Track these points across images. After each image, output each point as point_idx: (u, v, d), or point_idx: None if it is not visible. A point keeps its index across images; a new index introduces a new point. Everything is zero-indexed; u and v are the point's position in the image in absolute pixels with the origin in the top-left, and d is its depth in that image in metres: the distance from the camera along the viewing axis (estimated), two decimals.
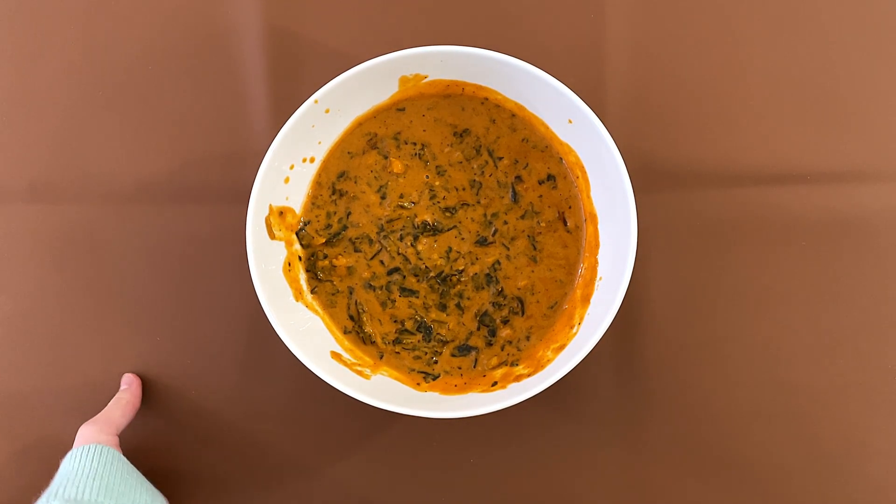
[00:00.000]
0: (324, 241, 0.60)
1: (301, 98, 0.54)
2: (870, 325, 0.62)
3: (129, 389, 0.62)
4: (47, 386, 0.63)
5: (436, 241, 0.60)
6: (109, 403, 0.61)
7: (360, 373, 0.58)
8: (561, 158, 0.59)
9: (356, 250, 0.60)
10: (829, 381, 0.62)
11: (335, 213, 0.60)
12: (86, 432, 0.57)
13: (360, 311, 0.60)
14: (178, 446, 0.63)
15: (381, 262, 0.60)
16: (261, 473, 0.63)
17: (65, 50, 0.64)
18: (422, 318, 0.60)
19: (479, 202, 0.60)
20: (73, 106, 0.64)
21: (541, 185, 0.60)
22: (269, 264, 0.57)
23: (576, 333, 0.57)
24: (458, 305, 0.60)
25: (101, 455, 0.54)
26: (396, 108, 0.59)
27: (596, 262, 0.58)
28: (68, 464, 0.54)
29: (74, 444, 0.56)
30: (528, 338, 0.59)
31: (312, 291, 0.60)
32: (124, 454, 0.63)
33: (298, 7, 0.64)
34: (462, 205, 0.60)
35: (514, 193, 0.60)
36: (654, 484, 0.63)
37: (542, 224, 0.59)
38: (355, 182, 0.60)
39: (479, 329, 0.60)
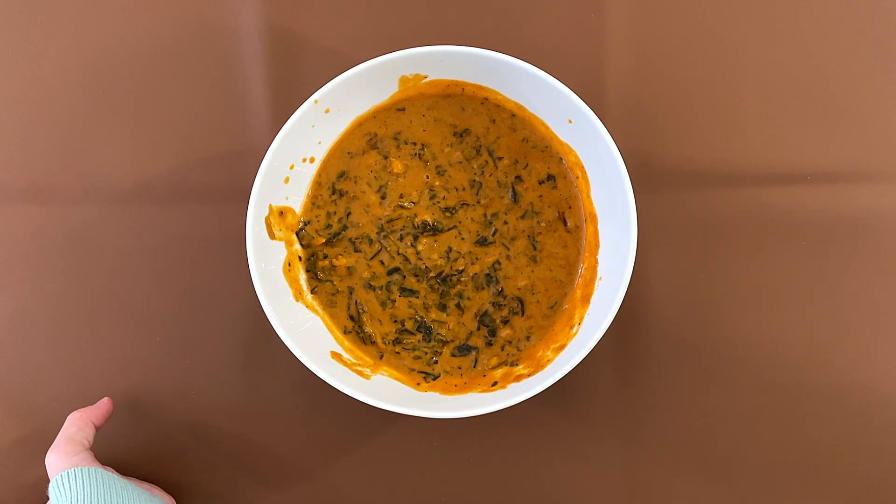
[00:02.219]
0: (324, 241, 0.60)
1: (301, 98, 0.54)
2: (869, 325, 0.62)
3: (85, 408, 0.59)
4: (47, 385, 0.63)
5: (436, 241, 0.60)
6: (64, 431, 0.57)
7: (360, 373, 0.58)
8: (561, 158, 0.59)
9: (356, 250, 0.60)
10: (828, 381, 0.62)
11: (335, 213, 0.60)
12: (51, 461, 0.54)
13: (360, 311, 0.60)
14: (178, 446, 0.63)
15: (381, 262, 0.60)
16: (260, 473, 0.63)
17: (65, 50, 0.64)
18: (422, 318, 0.60)
19: (479, 202, 0.60)
20: (73, 106, 0.64)
21: (541, 185, 0.60)
22: (269, 264, 0.57)
23: (576, 333, 0.57)
24: (458, 305, 0.60)
25: (84, 480, 0.51)
26: (396, 108, 0.59)
27: (596, 262, 0.58)
28: (55, 500, 0.51)
29: (49, 475, 0.54)
30: (528, 338, 0.59)
31: (312, 291, 0.60)
32: (122, 456, 0.63)
33: (298, 7, 0.64)
34: (462, 205, 0.60)
35: (514, 193, 0.60)
36: (654, 483, 0.63)
37: (542, 224, 0.59)
38: (355, 182, 0.60)
39: (479, 329, 0.60)
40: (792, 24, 0.63)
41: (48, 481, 0.54)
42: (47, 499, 0.60)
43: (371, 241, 0.60)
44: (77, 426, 0.57)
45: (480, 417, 0.54)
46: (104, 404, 0.60)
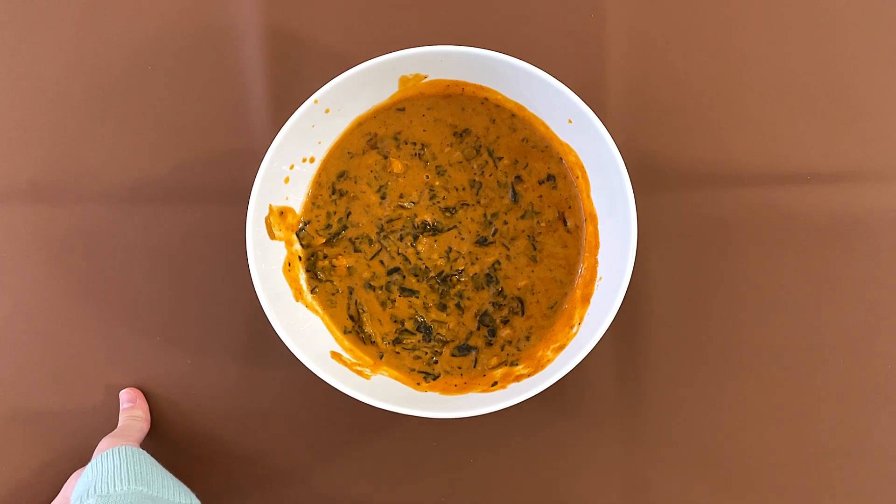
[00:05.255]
0: (324, 241, 0.60)
1: (301, 98, 0.54)
2: (870, 325, 0.62)
3: (137, 407, 0.62)
4: (47, 384, 0.63)
5: (436, 241, 0.60)
6: (124, 422, 0.61)
7: (360, 373, 0.58)
8: (561, 158, 0.59)
9: (356, 250, 0.60)
10: (829, 381, 0.62)
11: (335, 213, 0.60)
12: (106, 443, 0.57)
13: (360, 311, 0.60)
14: (178, 446, 0.63)
15: (381, 262, 0.60)
16: (260, 473, 0.63)
17: (64, 50, 0.64)
18: (422, 318, 0.60)
19: (479, 202, 0.60)
20: (72, 106, 0.64)
21: (541, 185, 0.60)
22: (269, 264, 0.57)
23: (576, 333, 0.57)
24: (458, 305, 0.60)
25: (125, 452, 0.54)
26: (396, 108, 0.59)
27: (596, 262, 0.58)
28: (94, 469, 0.53)
29: (94, 455, 0.56)
30: (528, 338, 0.59)
31: (312, 291, 0.60)
32: None
33: (298, 7, 0.64)
34: (462, 205, 0.60)
35: (514, 193, 0.60)
36: (653, 483, 0.63)
37: (542, 224, 0.59)
38: (355, 182, 0.60)
39: (479, 329, 0.60)
40: (792, 25, 0.63)
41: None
42: (56, 493, 0.60)
43: (371, 241, 0.60)
44: (139, 427, 0.60)
45: (480, 417, 0.54)
46: (136, 395, 0.62)
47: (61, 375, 0.63)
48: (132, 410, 0.61)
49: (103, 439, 0.58)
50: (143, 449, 0.57)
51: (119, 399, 0.63)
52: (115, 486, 0.51)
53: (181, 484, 0.55)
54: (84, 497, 0.50)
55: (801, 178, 0.62)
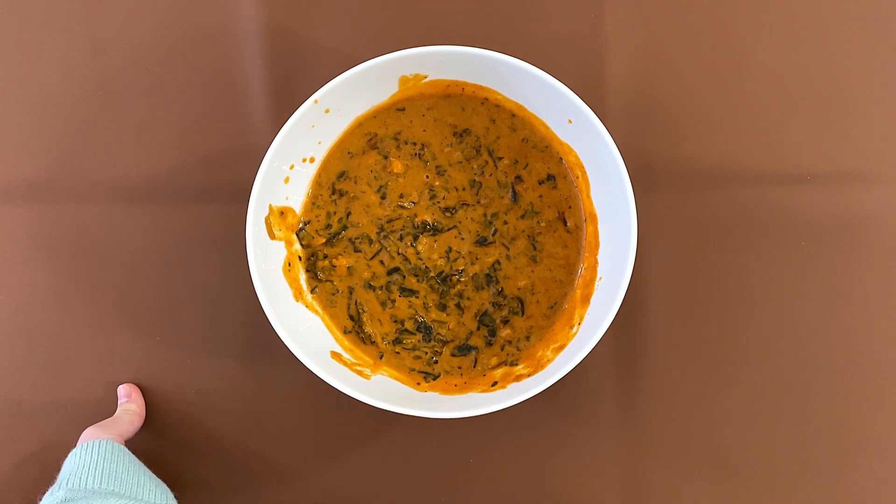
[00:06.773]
0: (324, 241, 0.60)
1: (301, 98, 0.54)
2: (870, 325, 0.62)
3: (132, 401, 0.62)
4: (47, 384, 0.63)
5: (436, 241, 0.60)
6: (116, 414, 0.61)
7: (360, 373, 0.58)
8: (561, 158, 0.59)
9: (356, 250, 0.60)
10: (829, 381, 0.62)
11: (335, 213, 0.60)
12: (90, 433, 0.57)
13: (360, 311, 0.60)
14: (178, 446, 0.63)
15: (381, 262, 0.60)
16: (260, 473, 0.63)
17: (65, 50, 0.64)
18: (422, 318, 0.60)
19: (479, 202, 0.60)
20: (73, 106, 0.64)
21: (541, 185, 0.60)
22: (269, 264, 0.57)
23: (576, 333, 0.57)
24: (458, 305, 0.60)
25: (103, 447, 0.54)
26: (396, 108, 0.59)
27: (596, 262, 0.58)
28: (71, 461, 0.54)
29: (78, 444, 0.56)
30: (528, 338, 0.59)
31: (312, 291, 0.60)
32: None
33: (298, 7, 0.64)
34: (462, 205, 0.60)
35: (514, 193, 0.60)
36: (653, 483, 0.63)
37: (542, 224, 0.59)
38: (355, 182, 0.60)
39: (479, 329, 0.60)
40: (792, 25, 0.63)
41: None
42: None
43: (371, 241, 0.60)
44: (129, 419, 0.60)
45: (480, 417, 0.54)
46: (131, 389, 0.62)
47: (61, 375, 0.63)
48: (126, 404, 0.61)
49: (88, 428, 0.58)
50: (131, 443, 0.57)
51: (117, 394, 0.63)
52: (85, 483, 0.52)
53: (158, 481, 0.56)
54: (56, 489, 0.51)
55: (801, 178, 0.62)
